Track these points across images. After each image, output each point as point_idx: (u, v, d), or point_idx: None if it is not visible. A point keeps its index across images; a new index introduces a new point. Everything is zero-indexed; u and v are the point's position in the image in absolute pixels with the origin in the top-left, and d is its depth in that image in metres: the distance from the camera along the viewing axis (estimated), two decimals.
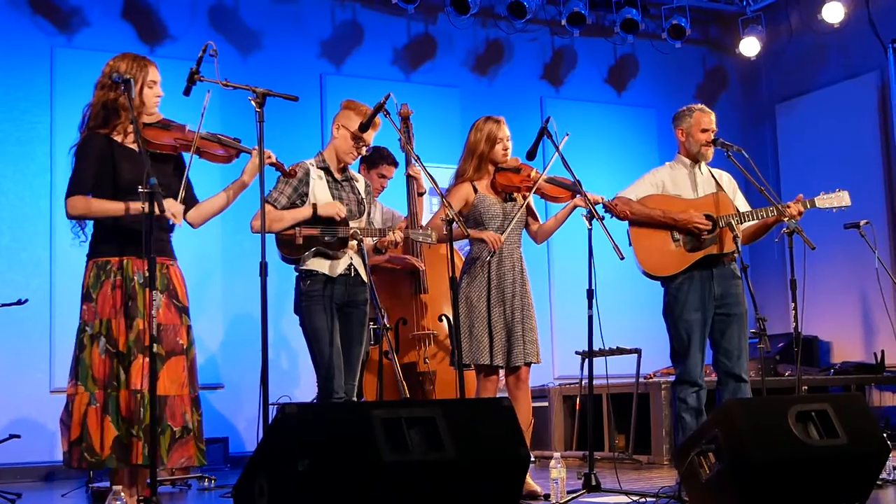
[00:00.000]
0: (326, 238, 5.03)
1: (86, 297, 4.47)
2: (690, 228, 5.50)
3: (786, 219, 5.45)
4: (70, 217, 4.49)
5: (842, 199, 5.55)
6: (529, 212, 5.56)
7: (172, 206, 4.43)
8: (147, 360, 4.32)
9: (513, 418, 3.79)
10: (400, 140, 6.47)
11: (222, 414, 8.19)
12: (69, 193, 4.47)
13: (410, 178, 6.50)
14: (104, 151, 4.47)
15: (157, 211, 4.22)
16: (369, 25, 9.36)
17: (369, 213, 5.33)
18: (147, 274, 4.34)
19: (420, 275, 6.47)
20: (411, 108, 6.43)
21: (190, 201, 4.71)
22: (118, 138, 4.51)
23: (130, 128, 4.44)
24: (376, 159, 6.53)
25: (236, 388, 8.21)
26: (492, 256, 5.33)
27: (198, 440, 4.52)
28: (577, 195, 5.33)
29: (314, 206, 5.03)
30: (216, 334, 8.30)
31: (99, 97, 4.52)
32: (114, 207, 4.41)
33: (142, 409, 4.32)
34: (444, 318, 6.41)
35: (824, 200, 5.56)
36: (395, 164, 6.60)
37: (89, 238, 4.56)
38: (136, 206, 4.29)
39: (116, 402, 4.34)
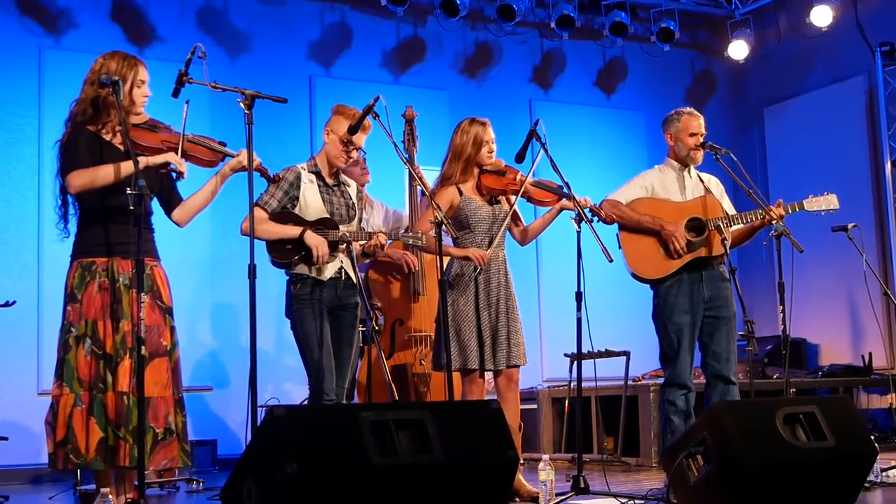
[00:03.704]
0: None
1: (70, 298, 4.46)
2: (668, 243, 5.50)
3: (774, 221, 5.46)
4: (75, 192, 4.43)
5: (830, 202, 5.57)
6: (513, 214, 5.56)
7: (171, 157, 4.46)
8: (132, 361, 4.32)
9: (501, 420, 3.79)
10: (404, 142, 6.47)
11: (211, 416, 8.18)
12: (69, 170, 4.43)
13: (414, 181, 6.49)
14: (93, 146, 4.46)
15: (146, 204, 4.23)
16: (358, 28, 9.36)
17: (360, 219, 5.33)
18: (131, 275, 4.35)
19: (416, 276, 6.47)
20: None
21: (175, 200, 4.71)
22: (107, 136, 4.51)
23: (119, 128, 4.43)
24: None
25: (225, 391, 8.20)
26: (479, 274, 5.33)
27: (182, 441, 4.52)
28: (564, 198, 5.33)
29: (303, 231, 5.01)
30: (205, 336, 8.29)
31: (88, 93, 4.51)
32: (114, 169, 4.38)
33: (127, 411, 4.32)
34: None
35: (812, 203, 5.58)
36: (364, 153, 6.59)
37: (72, 237, 4.55)
38: (128, 166, 4.31)
39: (102, 403, 4.34)
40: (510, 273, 5.47)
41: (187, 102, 4.51)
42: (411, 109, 6.36)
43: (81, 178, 4.41)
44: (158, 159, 4.46)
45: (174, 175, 4.54)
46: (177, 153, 4.51)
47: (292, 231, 5.01)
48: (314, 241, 4.98)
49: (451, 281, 5.37)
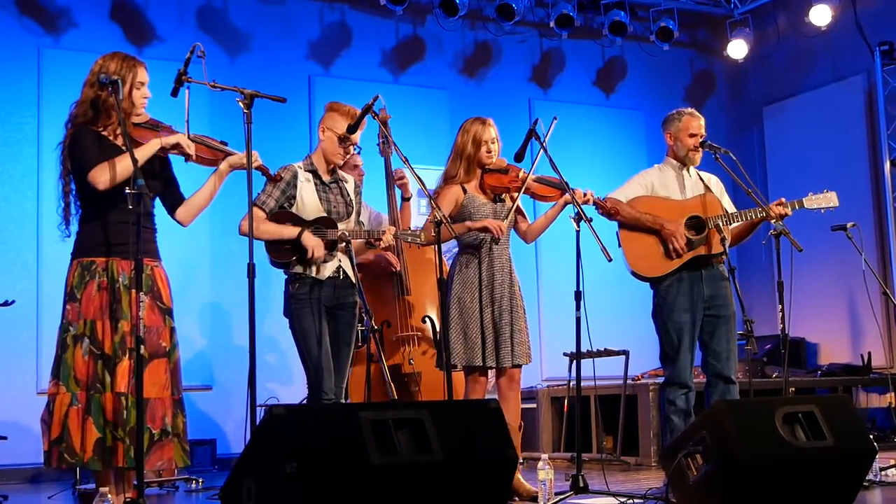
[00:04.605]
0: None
1: (70, 297, 4.46)
2: (668, 242, 5.50)
3: (773, 220, 5.46)
4: (105, 187, 4.39)
5: (829, 199, 5.57)
6: (518, 211, 5.57)
7: (181, 139, 4.47)
8: (131, 362, 4.32)
9: (500, 420, 3.79)
10: (378, 145, 6.48)
11: (210, 415, 8.18)
12: (89, 168, 4.40)
13: (393, 183, 6.49)
14: (96, 144, 4.46)
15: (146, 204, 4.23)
16: (358, 27, 9.36)
17: (358, 213, 5.33)
18: (131, 275, 4.34)
19: (402, 277, 6.46)
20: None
21: (178, 200, 4.70)
22: (108, 137, 4.51)
23: (119, 128, 4.43)
24: None
25: (224, 390, 8.20)
26: (497, 243, 5.33)
27: (182, 441, 4.51)
28: (567, 193, 5.33)
29: (301, 231, 5.00)
30: (204, 336, 8.29)
31: (87, 95, 4.51)
32: (128, 161, 4.33)
33: (125, 412, 4.31)
34: (427, 319, 6.42)
35: (812, 201, 5.58)
36: (359, 149, 6.58)
37: (73, 236, 4.55)
38: (157, 143, 4.39)
39: (100, 404, 4.33)
40: (515, 272, 5.47)
41: (188, 89, 4.49)
42: (384, 111, 6.35)
43: (107, 173, 4.38)
44: (171, 140, 4.48)
45: (184, 158, 4.55)
46: (174, 153, 4.53)
47: (290, 231, 5.01)
48: (311, 242, 4.98)
49: (453, 269, 5.37)
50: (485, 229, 5.32)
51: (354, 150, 5.25)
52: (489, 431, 3.74)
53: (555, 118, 5.40)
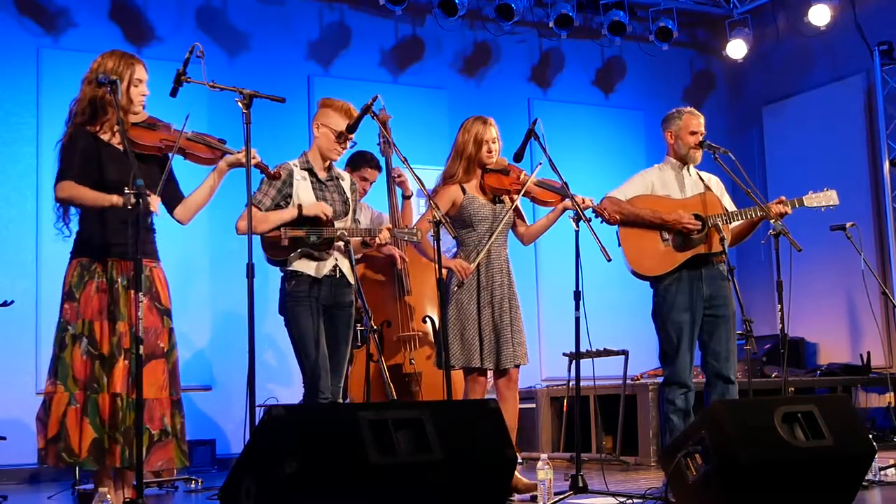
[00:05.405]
0: (312, 239, 5.02)
1: (68, 297, 4.46)
2: (679, 229, 5.50)
3: (772, 220, 5.46)
4: (58, 199, 4.47)
5: (830, 197, 5.57)
6: (517, 213, 5.56)
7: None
8: (127, 362, 4.32)
9: (500, 420, 3.79)
10: (379, 144, 6.49)
11: (210, 416, 8.17)
12: (59, 178, 4.46)
13: (393, 182, 6.50)
14: (90, 148, 4.47)
15: (145, 205, 4.22)
16: (357, 27, 9.36)
17: (355, 212, 5.32)
18: (130, 276, 4.34)
19: (403, 277, 6.46)
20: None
21: (176, 199, 4.70)
22: (105, 137, 4.51)
23: (117, 127, 4.43)
24: (359, 162, 6.51)
25: (224, 390, 8.19)
26: (460, 286, 5.32)
27: (180, 442, 4.51)
28: (567, 198, 5.33)
29: (299, 206, 5.03)
30: (203, 336, 8.28)
31: (86, 93, 4.52)
32: (100, 197, 4.39)
33: (121, 413, 4.32)
34: (428, 319, 6.42)
35: (812, 199, 5.58)
36: (379, 169, 6.58)
37: (73, 235, 4.55)
38: (119, 201, 4.31)
39: (96, 404, 4.34)
40: (513, 272, 5.47)
41: (187, 116, 4.50)
42: (384, 111, 6.35)
43: (67, 192, 4.44)
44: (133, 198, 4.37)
45: (153, 223, 4.55)
46: (172, 152, 4.52)
47: (290, 212, 5.03)
48: (314, 208, 5.01)
49: (451, 274, 5.37)
50: (449, 270, 5.31)
51: (350, 145, 5.25)
52: (489, 431, 3.74)
53: (539, 163, 5.38)
